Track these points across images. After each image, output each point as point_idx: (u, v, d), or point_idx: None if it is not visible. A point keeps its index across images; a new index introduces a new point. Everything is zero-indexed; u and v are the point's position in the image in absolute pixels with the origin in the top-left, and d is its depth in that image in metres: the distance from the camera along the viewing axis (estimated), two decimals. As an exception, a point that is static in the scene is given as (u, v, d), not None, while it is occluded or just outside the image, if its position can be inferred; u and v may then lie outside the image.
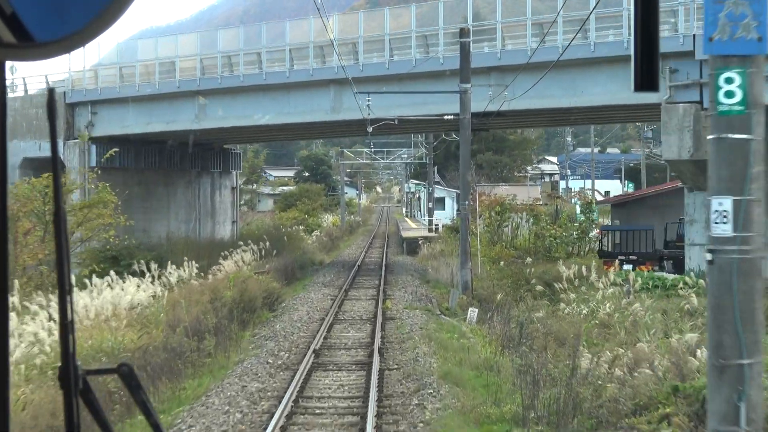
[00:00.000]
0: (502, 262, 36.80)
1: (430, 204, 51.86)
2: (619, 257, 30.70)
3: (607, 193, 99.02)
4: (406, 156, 63.01)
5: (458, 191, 69.00)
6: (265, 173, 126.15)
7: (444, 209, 62.76)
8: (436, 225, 49.58)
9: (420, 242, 44.28)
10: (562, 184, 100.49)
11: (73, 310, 1.49)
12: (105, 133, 39.17)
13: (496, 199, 42.59)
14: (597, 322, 18.54)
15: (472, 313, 21.51)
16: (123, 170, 40.89)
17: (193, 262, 27.06)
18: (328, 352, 16.12)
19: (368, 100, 28.32)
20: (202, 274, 27.58)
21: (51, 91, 1.55)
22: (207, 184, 44.19)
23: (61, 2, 1.28)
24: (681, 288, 22.88)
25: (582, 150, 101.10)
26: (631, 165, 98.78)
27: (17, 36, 1.28)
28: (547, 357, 14.71)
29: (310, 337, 17.57)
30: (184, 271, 27.36)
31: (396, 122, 29.76)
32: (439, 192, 59.11)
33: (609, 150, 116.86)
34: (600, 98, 29.78)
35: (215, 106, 37.29)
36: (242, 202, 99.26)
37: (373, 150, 59.39)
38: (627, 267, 30.46)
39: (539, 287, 24.00)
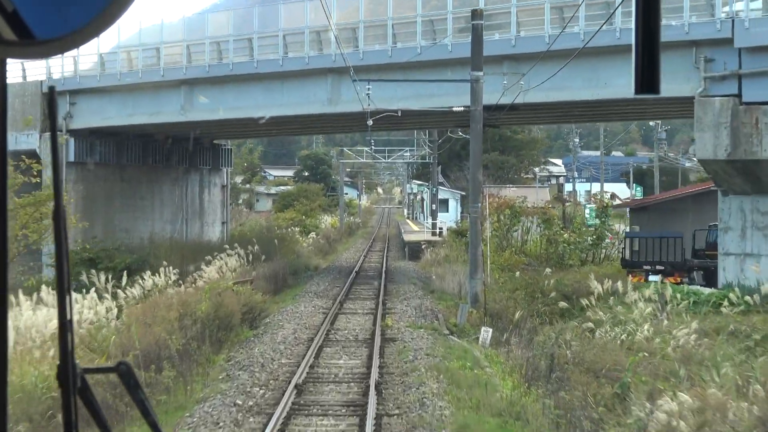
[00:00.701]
0: (516, 272, 33.83)
1: (434, 206, 48.77)
2: (645, 267, 27.68)
3: (612, 196, 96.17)
4: (408, 155, 59.89)
5: (463, 192, 66.12)
6: (265, 172, 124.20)
7: (447, 211, 59.75)
8: (440, 228, 46.50)
9: (423, 247, 41.27)
10: (567, 186, 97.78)
11: (72, 310, 1.50)
12: (85, 126, 36.18)
13: (505, 202, 39.57)
14: (637, 348, 15.53)
15: (486, 333, 18.50)
16: (104, 166, 37.95)
17: (171, 267, 24.11)
18: (313, 387, 13.09)
19: (368, 89, 25.32)
20: (181, 281, 24.61)
21: (51, 89, 1.51)
22: (195, 181, 41.20)
23: (63, 0, 1.27)
24: (724, 305, 19.87)
25: (585, 153, 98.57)
26: (643, 167, 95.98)
27: (18, 33, 1.27)
28: (587, 399, 11.73)
29: (293, 366, 14.56)
30: (160, 277, 24.44)
31: (399, 113, 26.73)
32: (442, 193, 56.13)
33: (613, 153, 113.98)
34: (626, 90, 26.70)
35: (202, 97, 34.32)
36: (240, 201, 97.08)
37: (373, 148, 56.25)
38: (654, 278, 27.48)
39: (561, 303, 20.91)
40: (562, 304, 20.97)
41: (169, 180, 40.29)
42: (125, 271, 30.35)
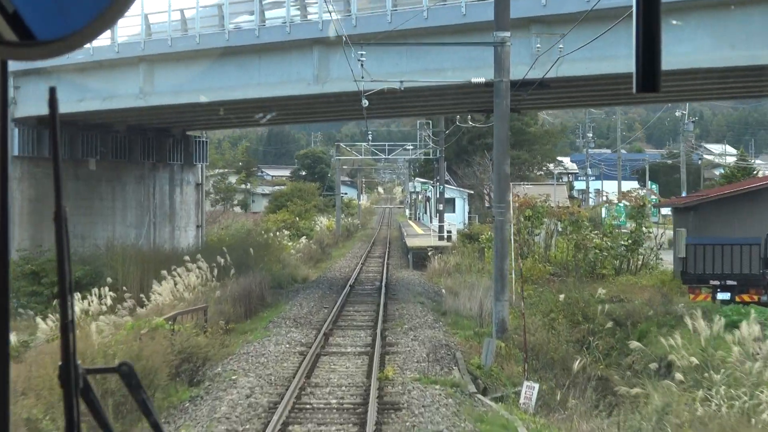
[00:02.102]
0: (540, 285, 28.12)
1: (441, 206, 42.92)
2: (713, 282, 21.95)
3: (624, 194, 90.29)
4: (411, 149, 53.97)
5: (470, 191, 60.33)
6: (262, 172, 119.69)
7: (454, 211, 53.89)
8: (448, 232, 40.63)
9: (429, 253, 35.51)
10: (576, 184, 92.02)
11: (74, 311, 1.51)
12: (31, 113, 30.34)
13: (525, 201, 33.81)
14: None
15: (530, 390, 12.76)
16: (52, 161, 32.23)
17: (106, 289, 18.52)
18: None
19: (361, 55, 19.61)
20: (119, 306, 18.94)
21: (52, 90, 1.51)
22: (164, 179, 35.49)
23: (63, 1, 1.28)
24: None
25: (591, 151, 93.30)
26: (657, 164, 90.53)
27: (19, 34, 1.27)
28: None
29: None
30: (91, 303, 18.81)
31: (401, 84, 21.02)
32: (449, 192, 50.31)
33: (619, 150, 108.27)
34: (687, 59, 21.11)
35: (165, 78, 28.64)
36: (236, 202, 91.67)
37: (371, 144, 50.43)
38: (723, 296, 21.78)
39: (637, 347, 15.12)
40: (636, 345, 15.10)
41: (134, 177, 34.57)
42: (73, 287, 25.10)
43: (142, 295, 21.08)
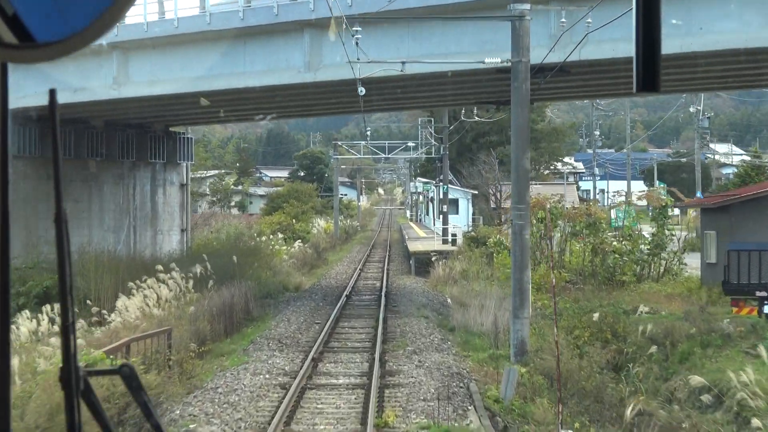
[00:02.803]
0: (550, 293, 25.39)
1: (445, 207, 40.05)
2: (759, 293, 19.19)
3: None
4: (412, 147, 51.06)
5: (474, 191, 57.47)
6: (260, 173, 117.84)
7: (457, 213, 51.09)
8: (453, 235, 37.78)
9: (433, 259, 32.73)
10: (582, 184, 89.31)
11: (74, 312, 1.50)
12: (-4, 108, 27.57)
13: (538, 201, 31.01)
14: None
15: (569, 443, 9.99)
16: (23, 159, 29.54)
17: (47, 308, 15.79)
18: None
19: (357, 34, 16.84)
20: (82, 323, 16.16)
21: (52, 92, 1.52)
22: (146, 179, 32.72)
23: (63, 3, 1.27)
24: None
25: (590, 151, 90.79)
26: (663, 163, 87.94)
27: (19, 37, 1.27)
28: None
29: None
30: (41, 322, 16.11)
31: (402, 65, 18.28)
32: (452, 192, 47.45)
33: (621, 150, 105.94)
34: (733, 38, 18.38)
35: (140, 67, 25.91)
36: (233, 203, 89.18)
37: (369, 141, 47.59)
38: (771, 309, 19.02)
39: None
40: (696, 381, 12.29)
41: (112, 177, 31.79)
42: (41, 298, 22.47)
43: (104, 311, 18.34)
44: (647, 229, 32.84)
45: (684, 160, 72.11)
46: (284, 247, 39.61)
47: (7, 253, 1.40)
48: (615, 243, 30.52)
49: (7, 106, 1.41)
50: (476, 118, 36.47)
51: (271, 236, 42.66)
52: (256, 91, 24.54)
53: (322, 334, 18.08)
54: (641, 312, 18.40)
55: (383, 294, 26.05)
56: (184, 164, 33.83)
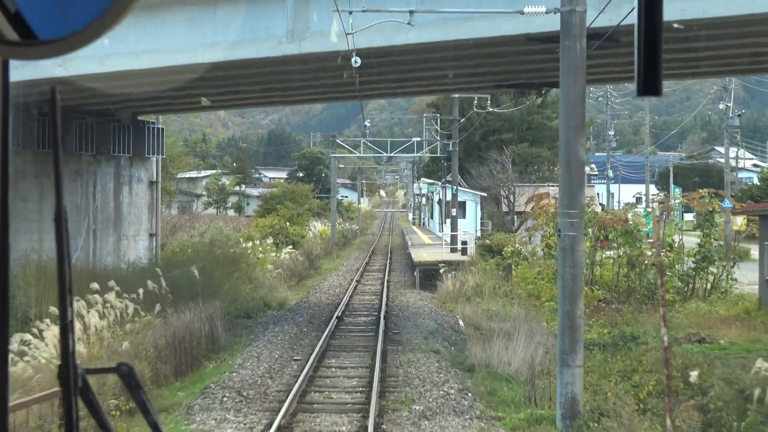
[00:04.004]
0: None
1: (454, 210, 35.37)
2: None
3: (638, 199, 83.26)
4: (417, 141, 46.38)
5: (483, 193, 52.89)
6: (259, 173, 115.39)
7: (465, 217, 46.50)
8: (463, 243, 33.09)
9: (441, 271, 28.17)
10: (595, 188, 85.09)
11: (74, 311, 1.50)
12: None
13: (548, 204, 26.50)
14: None
15: None
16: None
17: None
18: None
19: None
20: None
21: (53, 90, 1.51)
22: (108, 175, 28.20)
23: (65, 1, 1.27)
24: None
25: (598, 154, 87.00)
26: (675, 166, 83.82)
27: (20, 34, 1.27)
28: None
29: None
30: None
31: (410, 18, 13.81)
32: (460, 194, 42.88)
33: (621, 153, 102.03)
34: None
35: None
36: (229, 204, 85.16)
37: (369, 137, 43.08)
38: None
39: None
40: None
41: (68, 173, 27.22)
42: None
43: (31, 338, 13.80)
44: (676, 238, 28.49)
45: (710, 160, 67.52)
46: (272, 254, 35.07)
47: (7, 253, 1.37)
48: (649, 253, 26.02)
49: (8, 102, 1.37)
50: (489, 108, 31.84)
51: (259, 241, 38.19)
52: (227, 67, 20.01)
53: (300, 379, 13.50)
54: (762, 369, 13.55)
55: (382, 315, 21.51)
56: (154, 158, 29.28)
